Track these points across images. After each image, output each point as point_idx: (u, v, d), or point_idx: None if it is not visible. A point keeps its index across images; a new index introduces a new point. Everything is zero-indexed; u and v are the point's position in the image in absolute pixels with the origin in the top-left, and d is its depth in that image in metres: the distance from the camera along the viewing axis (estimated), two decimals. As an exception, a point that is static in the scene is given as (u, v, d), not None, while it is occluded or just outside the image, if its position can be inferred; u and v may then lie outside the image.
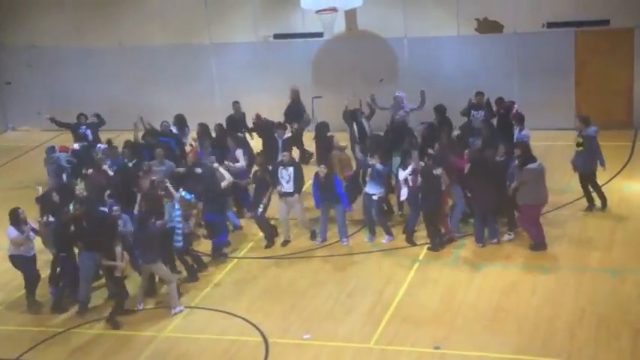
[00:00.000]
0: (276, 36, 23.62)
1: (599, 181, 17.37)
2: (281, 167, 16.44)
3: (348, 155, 17.95)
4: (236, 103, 20.39)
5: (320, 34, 22.76)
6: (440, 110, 18.54)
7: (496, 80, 21.84)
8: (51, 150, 19.36)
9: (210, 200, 16.21)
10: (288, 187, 16.37)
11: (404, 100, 19.47)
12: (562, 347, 12.76)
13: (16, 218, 14.89)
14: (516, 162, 15.64)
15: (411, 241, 16.39)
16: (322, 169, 16.28)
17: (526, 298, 14.18)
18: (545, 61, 21.91)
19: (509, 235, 16.22)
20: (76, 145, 19.93)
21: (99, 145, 19.61)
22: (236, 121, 20.07)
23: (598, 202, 17.24)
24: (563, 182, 18.17)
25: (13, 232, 14.87)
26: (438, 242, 16.09)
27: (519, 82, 22.16)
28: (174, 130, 19.50)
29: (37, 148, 23.23)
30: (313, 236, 16.79)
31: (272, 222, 17.17)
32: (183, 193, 15.71)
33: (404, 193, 16.21)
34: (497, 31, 22.16)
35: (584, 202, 17.39)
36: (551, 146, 20.25)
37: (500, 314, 13.77)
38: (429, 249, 16.11)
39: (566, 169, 18.02)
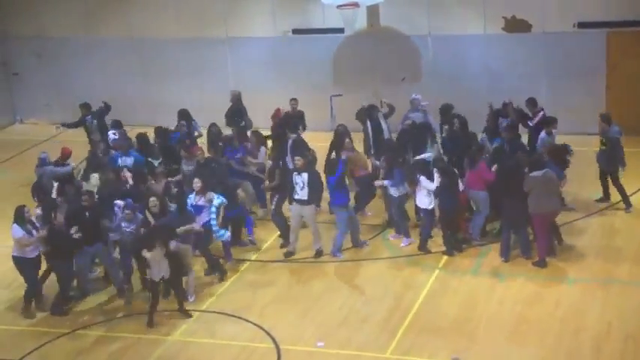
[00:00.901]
0: (295, 31, 23.60)
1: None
2: (295, 173, 16.37)
3: (361, 155, 17.97)
4: (293, 101, 20.12)
5: (341, 30, 22.73)
6: (447, 110, 18.62)
7: (523, 81, 21.77)
8: (42, 162, 18.28)
9: (226, 197, 16.23)
10: (302, 193, 16.19)
11: (421, 102, 19.45)
12: (587, 362, 12.76)
13: (22, 217, 14.81)
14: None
15: (424, 248, 16.39)
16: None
17: (550, 309, 14.14)
18: (574, 62, 21.80)
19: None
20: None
21: (110, 133, 19.49)
22: (293, 119, 19.65)
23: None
24: (591, 190, 18.10)
25: (19, 231, 14.74)
26: (454, 246, 16.11)
27: (547, 84, 22.07)
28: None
29: (46, 141, 23.32)
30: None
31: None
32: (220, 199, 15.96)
33: (424, 200, 16.18)
34: (525, 31, 22.08)
35: (613, 211, 17.41)
36: (580, 152, 19.96)
37: (522, 326, 13.74)
38: (443, 253, 16.13)
39: (595, 176, 17.96)
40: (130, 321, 14.65)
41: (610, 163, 17.39)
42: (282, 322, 14.33)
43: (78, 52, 25.20)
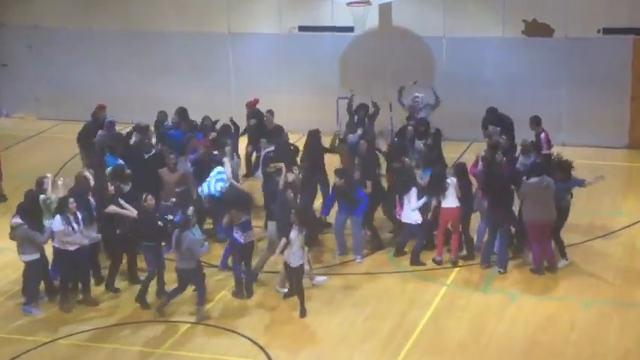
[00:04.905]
0: (302, 28, 23.63)
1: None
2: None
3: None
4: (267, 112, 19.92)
5: (350, 29, 22.76)
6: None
7: (542, 89, 21.79)
8: (110, 124, 18.95)
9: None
10: None
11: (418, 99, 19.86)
12: (602, 390, 12.67)
13: (66, 207, 14.83)
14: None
15: (418, 261, 16.46)
16: (339, 181, 16.32)
17: (564, 333, 14.03)
18: (598, 70, 21.77)
19: (565, 261, 16.09)
20: None
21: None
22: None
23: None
24: (613, 207, 18.08)
25: (58, 223, 14.76)
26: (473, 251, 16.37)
27: (568, 92, 22.04)
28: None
29: (33, 137, 23.23)
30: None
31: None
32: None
33: (412, 215, 16.25)
34: (546, 35, 22.05)
35: (634, 231, 17.31)
36: (601, 165, 20.03)
37: (534, 350, 13.64)
38: (464, 258, 16.31)
39: (617, 192, 17.89)
40: (115, 331, 14.53)
41: None
42: (279, 338, 14.23)
43: (72, 44, 25.21)
